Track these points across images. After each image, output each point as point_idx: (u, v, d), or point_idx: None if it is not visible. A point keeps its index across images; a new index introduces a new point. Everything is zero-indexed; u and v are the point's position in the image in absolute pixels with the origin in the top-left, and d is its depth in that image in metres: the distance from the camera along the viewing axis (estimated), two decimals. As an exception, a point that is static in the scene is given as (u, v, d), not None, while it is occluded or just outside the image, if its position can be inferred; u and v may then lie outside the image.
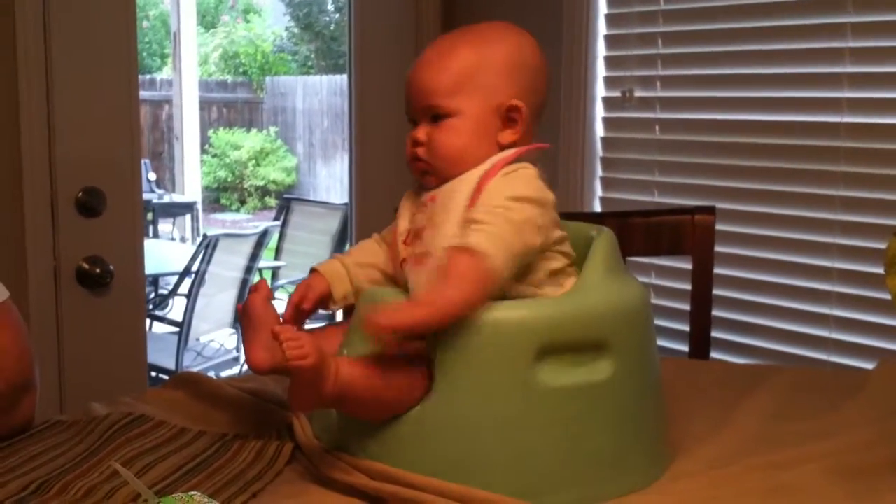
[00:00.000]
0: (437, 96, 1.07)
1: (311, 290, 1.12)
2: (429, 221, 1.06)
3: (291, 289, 5.21)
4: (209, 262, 4.13)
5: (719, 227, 1.80)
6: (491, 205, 1.01)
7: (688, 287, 1.78)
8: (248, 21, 11.39)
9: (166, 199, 7.53)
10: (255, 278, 4.54)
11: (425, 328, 0.96)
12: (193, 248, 4.77)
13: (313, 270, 1.14)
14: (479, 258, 0.96)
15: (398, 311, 0.95)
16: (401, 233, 1.10)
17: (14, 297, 1.76)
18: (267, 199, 9.98)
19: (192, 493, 0.84)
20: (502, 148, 1.07)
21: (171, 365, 3.89)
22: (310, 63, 11.08)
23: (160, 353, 3.85)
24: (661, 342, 1.12)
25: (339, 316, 1.25)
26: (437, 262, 1.00)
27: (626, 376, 1.01)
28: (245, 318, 1.07)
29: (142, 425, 1.13)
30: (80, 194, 1.84)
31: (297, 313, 1.11)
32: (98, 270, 1.86)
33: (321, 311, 1.16)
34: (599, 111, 2.20)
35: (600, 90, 2.19)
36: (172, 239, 7.41)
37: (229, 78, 10.68)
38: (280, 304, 1.14)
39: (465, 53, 1.08)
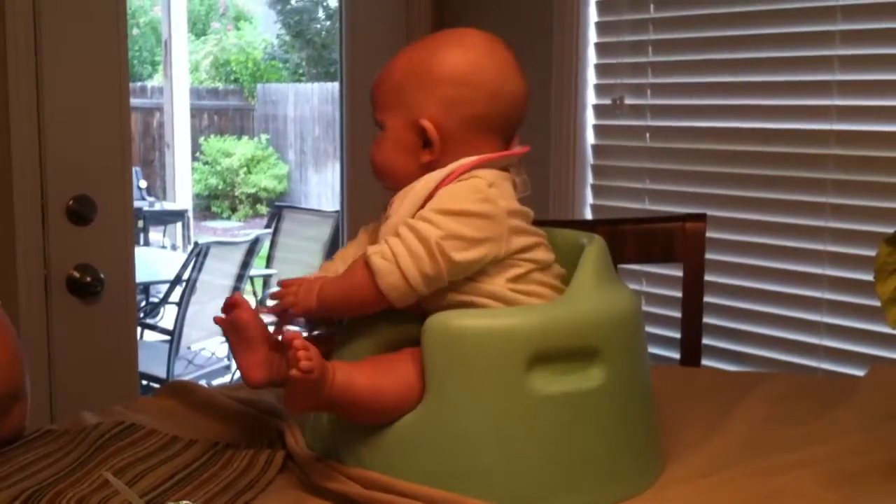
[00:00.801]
0: (374, 108, 1.10)
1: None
2: (384, 223, 1.07)
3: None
4: (200, 269, 4.12)
5: (710, 234, 1.80)
6: (420, 215, 1.01)
7: (679, 294, 1.78)
8: (238, 28, 11.39)
9: (157, 206, 7.52)
10: (247, 286, 4.53)
11: (312, 311, 1.03)
12: (184, 256, 4.76)
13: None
14: (370, 273, 0.99)
15: (295, 291, 1.03)
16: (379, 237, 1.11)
17: (4, 305, 1.76)
18: (258, 206, 9.98)
19: (183, 502, 0.84)
20: (423, 167, 1.06)
21: (162, 373, 3.88)
22: (301, 70, 11.09)
23: (151, 362, 3.84)
24: (652, 349, 1.12)
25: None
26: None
27: (617, 383, 1.01)
28: (234, 334, 1.04)
29: (133, 434, 1.13)
30: (71, 202, 1.83)
31: (284, 315, 1.09)
32: (89, 279, 1.85)
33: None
34: (590, 119, 2.20)
35: (591, 98, 2.20)
36: (163, 247, 7.40)
37: (220, 85, 10.68)
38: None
39: (399, 66, 1.09)
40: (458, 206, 1.01)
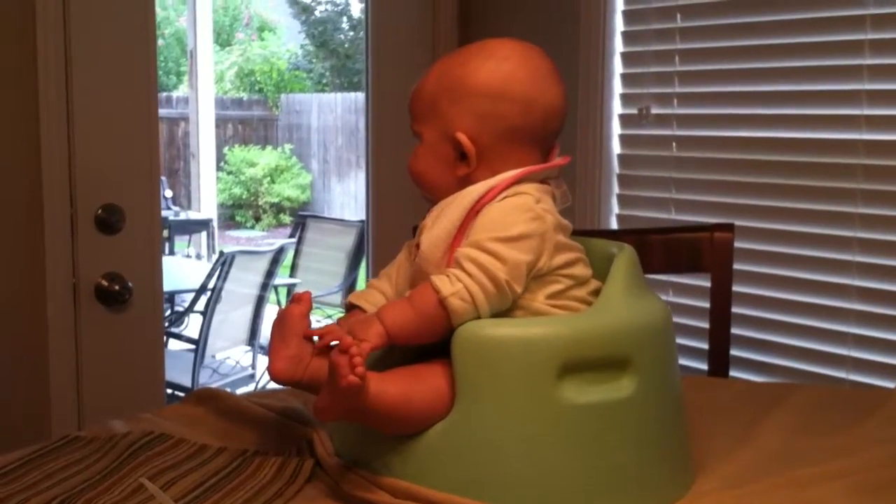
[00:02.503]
0: (411, 119, 1.11)
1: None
2: (420, 234, 1.07)
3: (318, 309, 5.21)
4: (225, 279, 4.14)
5: (738, 244, 1.79)
6: (480, 245, 1.00)
7: (706, 305, 1.77)
8: (263, 39, 11.45)
9: (182, 216, 7.55)
10: (271, 296, 4.55)
11: (378, 346, 0.98)
12: (209, 266, 4.79)
13: (351, 306, 1.13)
14: (446, 314, 0.98)
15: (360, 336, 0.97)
16: (412, 249, 1.11)
17: (33, 313, 1.78)
18: (281, 216, 10.01)
19: (215, 509, 0.84)
20: (459, 180, 1.06)
21: (186, 382, 3.89)
22: (325, 81, 11.13)
23: (176, 371, 3.85)
24: (680, 360, 1.12)
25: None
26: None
27: (648, 394, 1.00)
28: (278, 325, 1.07)
29: (162, 443, 1.13)
30: (100, 211, 1.85)
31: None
32: (117, 287, 1.87)
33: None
34: (616, 128, 2.20)
35: (617, 107, 2.19)
36: (188, 256, 7.43)
37: (245, 95, 10.74)
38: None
39: (433, 78, 1.09)
40: (514, 230, 1.00)
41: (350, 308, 1.13)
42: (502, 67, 1.06)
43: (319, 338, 1.03)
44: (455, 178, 1.07)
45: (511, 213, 1.02)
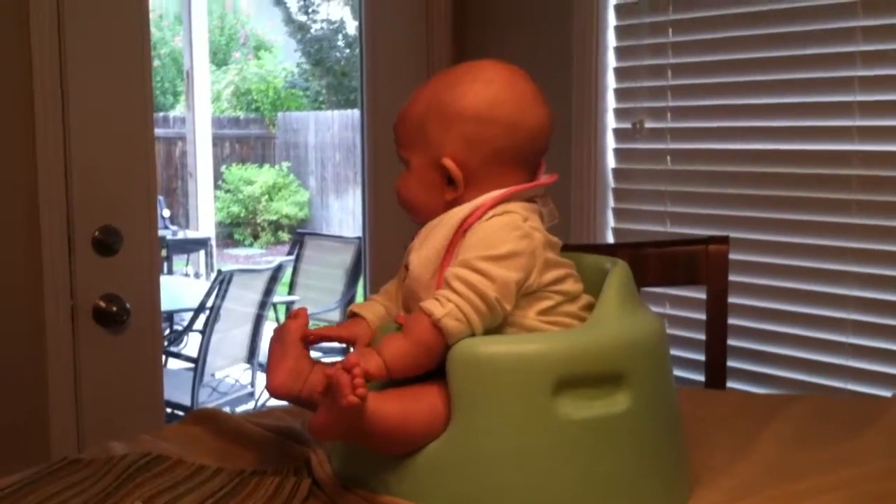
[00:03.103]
0: (397, 146, 1.11)
1: (361, 340, 1.10)
2: (409, 254, 1.08)
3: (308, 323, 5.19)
4: (224, 297, 4.14)
5: (733, 256, 1.80)
6: (469, 264, 1.00)
7: (703, 317, 1.78)
8: (259, 58, 11.47)
9: (180, 235, 7.55)
10: (270, 314, 4.55)
11: (377, 378, 0.97)
12: (208, 284, 4.79)
13: (354, 314, 1.13)
14: (441, 335, 0.98)
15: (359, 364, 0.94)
16: (402, 270, 1.12)
17: (31, 335, 1.78)
18: (280, 233, 10.01)
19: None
20: (448, 204, 1.07)
21: (186, 401, 3.89)
22: (321, 98, 11.15)
23: (175, 390, 3.85)
24: (676, 372, 1.12)
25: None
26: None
27: (643, 408, 1.00)
28: (276, 341, 1.08)
29: (160, 465, 1.13)
30: (97, 233, 1.85)
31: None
32: (115, 308, 1.87)
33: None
34: (610, 143, 2.21)
35: (611, 122, 2.20)
36: (186, 275, 7.43)
37: (241, 114, 10.75)
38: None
39: (418, 103, 1.10)
40: (503, 248, 1.01)
41: (351, 316, 1.14)
42: (488, 91, 1.07)
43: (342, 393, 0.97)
44: (443, 203, 1.08)
45: (498, 232, 1.02)
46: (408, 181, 1.11)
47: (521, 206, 1.06)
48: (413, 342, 0.99)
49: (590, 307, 1.08)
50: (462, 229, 1.04)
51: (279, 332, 1.09)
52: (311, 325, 1.12)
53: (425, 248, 1.06)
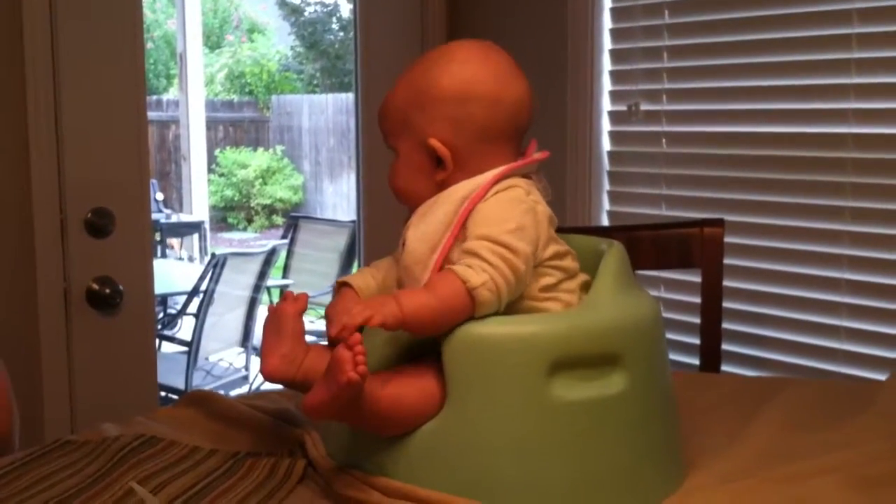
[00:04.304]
0: (384, 137, 1.12)
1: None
2: (407, 230, 1.08)
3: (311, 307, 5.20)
4: (217, 281, 4.14)
5: (728, 239, 1.79)
6: (493, 239, 1.00)
7: (697, 300, 1.78)
8: (252, 41, 11.44)
9: (174, 218, 7.54)
10: (264, 297, 4.54)
11: (389, 327, 0.95)
12: (202, 268, 4.78)
13: (344, 284, 1.14)
14: (473, 303, 0.97)
15: (365, 307, 0.94)
16: (399, 248, 1.11)
17: (24, 318, 1.78)
18: (274, 217, 10.01)
19: (206, 511, 0.84)
20: (439, 185, 1.07)
21: (180, 384, 3.89)
22: (315, 82, 11.13)
23: (169, 373, 3.85)
24: (671, 355, 1.12)
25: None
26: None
27: (639, 390, 1.00)
28: (271, 323, 1.08)
29: (154, 446, 1.13)
30: (90, 215, 1.84)
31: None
32: (108, 291, 1.86)
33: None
34: (606, 125, 2.20)
35: (606, 104, 2.19)
36: (180, 259, 7.42)
37: (235, 97, 10.73)
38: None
39: (399, 92, 1.10)
40: (513, 223, 1.01)
41: (339, 287, 1.14)
42: (464, 70, 1.07)
43: (334, 325, 0.96)
44: (434, 185, 1.08)
45: (507, 207, 1.03)
46: (398, 169, 1.11)
47: (522, 180, 1.07)
48: (440, 301, 0.97)
49: (586, 286, 1.08)
50: (467, 209, 1.04)
51: (274, 315, 1.09)
52: (307, 308, 1.11)
53: (424, 224, 1.06)
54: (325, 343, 1.08)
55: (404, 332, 0.99)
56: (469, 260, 0.99)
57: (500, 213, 1.02)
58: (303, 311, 1.09)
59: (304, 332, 1.08)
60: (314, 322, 4.94)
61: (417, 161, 1.08)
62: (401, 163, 1.10)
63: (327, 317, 1.10)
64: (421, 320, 0.96)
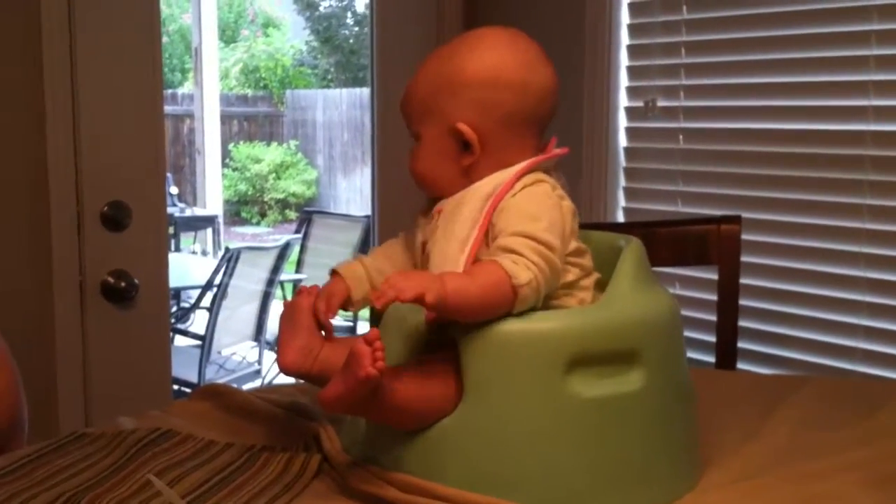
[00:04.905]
0: (408, 122, 1.11)
1: (334, 297, 1.11)
2: (432, 235, 1.07)
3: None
4: (231, 275, 4.14)
5: (745, 236, 1.78)
6: (532, 236, 0.99)
7: (714, 297, 1.77)
8: (267, 35, 11.46)
9: (188, 212, 7.56)
10: (277, 292, 4.55)
11: (430, 307, 0.92)
12: (215, 262, 4.79)
13: (334, 272, 1.14)
14: (514, 298, 0.96)
15: (410, 280, 0.92)
16: (417, 246, 1.11)
17: (39, 310, 1.78)
18: (287, 212, 10.03)
19: (222, 505, 0.84)
20: (465, 171, 1.06)
21: (193, 378, 3.90)
22: (330, 76, 11.13)
23: (182, 367, 3.86)
24: (687, 353, 1.11)
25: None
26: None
27: (656, 387, 1.00)
28: (287, 317, 1.08)
29: (169, 440, 1.13)
30: (106, 208, 1.85)
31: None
32: (123, 284, 1.87)
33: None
34: (622, 121, 2.19)
35: (623, 100, 2.19)
36: (194, 252, 7.44)
37: (250, 92, 10.75)
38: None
39: (425, 76, 1.09)
40: (547, 218, 1.01)
41: (332, 275, 1.14)
42: (492, 55, 1.07)
43: (380, 299, 0.93)
44: (459, 170, 1.07)
45: (537, 202, 1.03)
46: (421, 155, 1.10)
47: (546, 175, 1.06)
48: (483, 291, 0.95)
49: (600, 285, 1.07)
50: (494, 202, 1.03)
51: (289, 309, 1.10)
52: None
53: (451, 223, 1.04)
54: (349, 336, 1.09)
55: (422, 325, 0.99)
56: (513, 255, 0.98)
57: (531, 208, 1.02)
58: (313, 303, 1.10)
59: (318, 328, 1.09)
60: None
61: (442, 146, 1.07)
62: (424, 147, 1.09)
63: (317, 309, 1.10)
64: (459, 305, 0.94)
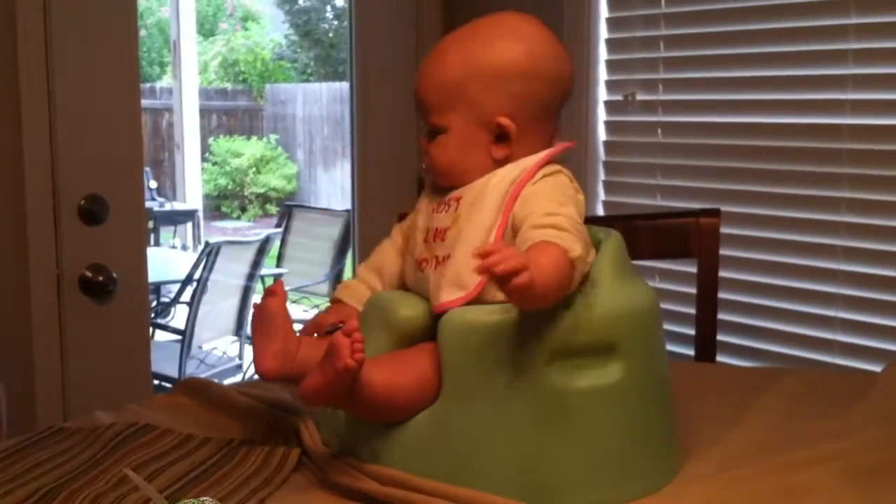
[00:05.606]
0: (429, 113, 1.08)
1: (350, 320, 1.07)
2: (454, 222, 1.05)
3: (297, 296, 5.22)
4: (211, 269, 4.13)
5: (724, 229, 1.79)
6: (565, 214, 0.99)
7: (693, 290, 1.77)
8: (246, 29, 11.40)
9: (167, 207, 7.52)
10: (258, 286, 4.54)
11: (533, 290, 0.88)
12: (195, 256, 4.77)
13: (335, 301, 1.13)
14: (572, 268, 0.95)
15: (524, 260, 0.87)
16: (421, 230, 1.09)
17: (17, 305, 1.77)
18: (267, 206, 9.99)
19: (203, 498, 0.84)
20: (497, 163, 1.06)
21: (173, 373, 3.88)
22: (309, 70, 11.10)
23: (163, 362, 3.84)
24: (666, 346, 1.12)
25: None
26: (457, 265, 1.00)
27: (636, 379, 1.00)
28: (258, 321, 1.05)
29: (147, 434, 1.13)
30: (83, 202, 1.83)
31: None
32: (101, 278, 1.85)
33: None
34: (602, 115, 2.19)
35: (602, 94, 2.19)
36: (174, 247, 7.41)
37: (229, 86, 10.70)
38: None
39: (452, 65, 1.07)
40: (572, 204, 1.03)
41: (334, 302, 1.13)
42: (527, 47, 1.07)
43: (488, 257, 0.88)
44: (490, 162, 1.06)
45: (559, 191, 1.04)
46: (446, 145, 1.07)
47: (563, 167, 1.08)
48: (556, 268, 0.93)
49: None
50: (517, 189, 1.03)
51: (260, 313, 1.05)
52: (300, 298, 1.10)
53: (475, 213, 1.03)
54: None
55: (401, 318, 0.99)
56: (557, 232, 0.96)
57: (557, 194, 1.03)
58: (284, 301, 1.06)
59: (292, 325, 1.06)
60: (308, 312, 4.95)
61: (473, 136, 1.06)
62: (452, 139, 1.07)
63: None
64: (546, 290, 0.91)
